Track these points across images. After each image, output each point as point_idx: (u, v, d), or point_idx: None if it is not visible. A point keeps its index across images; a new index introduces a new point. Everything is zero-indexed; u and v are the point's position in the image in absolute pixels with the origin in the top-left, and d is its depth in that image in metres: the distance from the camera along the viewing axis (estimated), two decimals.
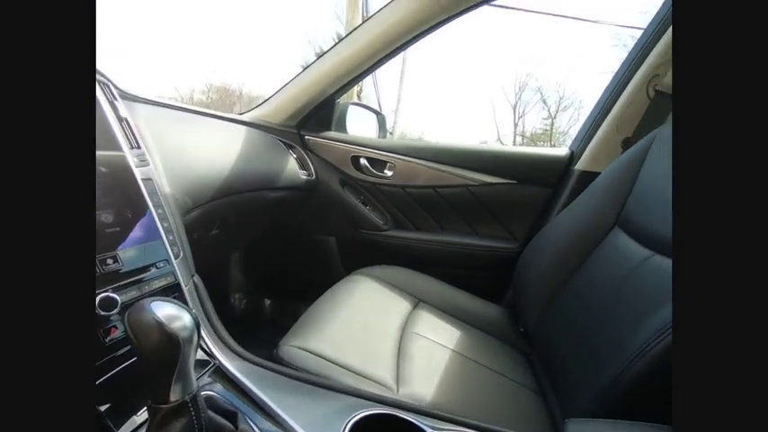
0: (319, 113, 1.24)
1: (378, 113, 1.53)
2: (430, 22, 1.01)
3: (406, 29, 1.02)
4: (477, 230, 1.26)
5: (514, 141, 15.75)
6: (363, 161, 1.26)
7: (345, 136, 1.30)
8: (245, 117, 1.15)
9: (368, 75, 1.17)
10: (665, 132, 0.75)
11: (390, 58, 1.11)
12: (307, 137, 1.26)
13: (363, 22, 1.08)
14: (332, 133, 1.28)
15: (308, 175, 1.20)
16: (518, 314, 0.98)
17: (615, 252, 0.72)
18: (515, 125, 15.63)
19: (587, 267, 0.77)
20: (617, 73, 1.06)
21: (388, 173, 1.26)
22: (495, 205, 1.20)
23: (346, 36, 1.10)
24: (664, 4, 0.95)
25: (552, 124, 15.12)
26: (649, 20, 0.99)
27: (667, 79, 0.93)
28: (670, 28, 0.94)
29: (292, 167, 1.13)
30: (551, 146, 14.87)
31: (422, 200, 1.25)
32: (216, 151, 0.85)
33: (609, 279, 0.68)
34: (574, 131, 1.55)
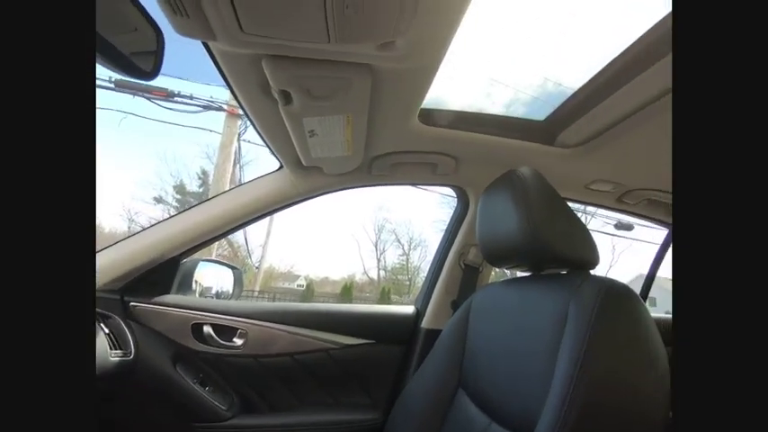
0: (155, 275, 1.08)
1: (234, 268, 1.43)
2: (288, 200, 1.14)
3: (266, 204, 1.11)
4: (339, 399, 1.16)
5: (378, 274, 17.27)
6: (207, 329, 1.09)
7: (187, 300, 1.13)
8: None
9: (224, 237, 1.15)
10: (479, 296, 0.96)
11: (248, 225, 1.14)
12: (132, 303, 1.03)
13: (225, 192, 1.12)
14: (169, 297, 1.10)
15: (124, 355, 0.93)
16: None
17: (464, 416, 0.76)
18: (378, 260, 17.41)
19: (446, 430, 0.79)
20: (440, 244, 1.37)
21: (238, 341, 1.11)
22: (355, 368, 1.17)
23: (201, 202, 1.11)
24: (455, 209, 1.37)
25: (407, 260, 17.52)
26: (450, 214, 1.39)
27: (471, 256, 1.26)
28: (465, 220, 1.32)
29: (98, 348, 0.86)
30: (408, 279, 17.02)
31: (278, 370, 1.11)
32: None
33: None
34: (425, 265, 1.79)
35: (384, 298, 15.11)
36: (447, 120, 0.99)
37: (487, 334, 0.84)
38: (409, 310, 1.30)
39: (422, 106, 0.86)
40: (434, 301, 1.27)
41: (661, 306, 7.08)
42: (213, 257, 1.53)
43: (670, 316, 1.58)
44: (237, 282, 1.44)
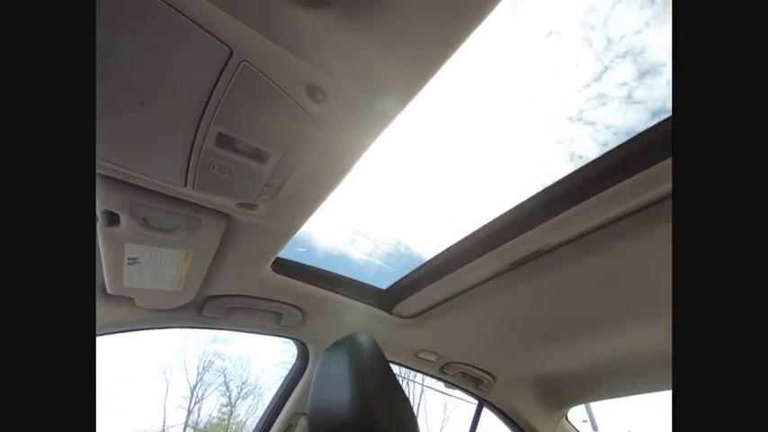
0: None
1: None
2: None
3: None
4: None
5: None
6: None
7: None
8: None
9: None
10: None
11: None
12: None
13: None
14: None
15: None
16: None
17: None
18: (188, 411, 12.62)
19: None
20: (271, 401, 1.17)
21: None
22: None
23: None
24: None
25: (230, 414, 13.41)
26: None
27: (299, 429, 1.09)
28: (302, 379, 1.20)
29: None
30: None
31: None
32: None
33: None
34: (251, 423, 1.40)
35: None
36: (301, 273, 1.00)
37: None
38: None
39: (278, 255, 0.86)
40: None
41: None
42: None
43: None
44: None
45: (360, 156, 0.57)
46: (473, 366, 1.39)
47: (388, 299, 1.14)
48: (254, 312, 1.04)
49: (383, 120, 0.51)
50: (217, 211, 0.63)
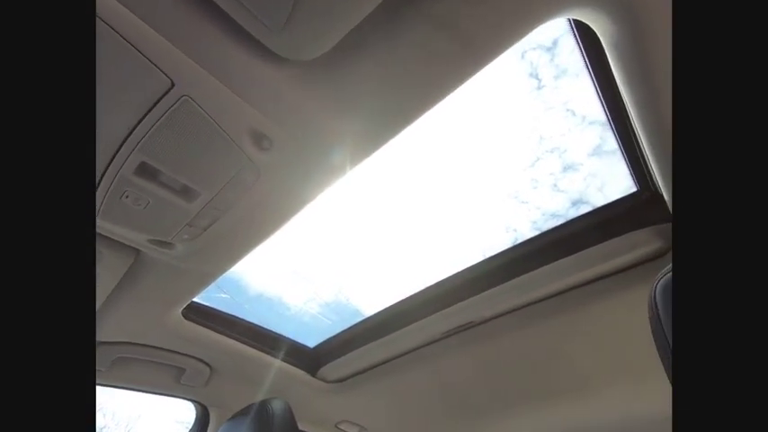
0: None
1: None
2: None
3: None
4: None
5: None
6: None
7: None
8: None
9: None
10: None
11: None
12: None
13: None
14: None
15: None
16: None
17: None
18: None
19: None
20: None
21: None
22: None
23: None
24: None
25: None
26: None
27: None
28: None
29: None
30: None
31: None
32: None
33: None
34: None
35: None
36: (217, 321, 0.88)
37: None
38: None
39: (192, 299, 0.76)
40: None
41: None
42: None
43: None
44: None
45: (301, 207, 0.55)
46: None
47: (314, 359, 1.05)
48: (150, 366, 0.88)
49: (331, 174, 0.50)
50: (123, 244, 0.55)
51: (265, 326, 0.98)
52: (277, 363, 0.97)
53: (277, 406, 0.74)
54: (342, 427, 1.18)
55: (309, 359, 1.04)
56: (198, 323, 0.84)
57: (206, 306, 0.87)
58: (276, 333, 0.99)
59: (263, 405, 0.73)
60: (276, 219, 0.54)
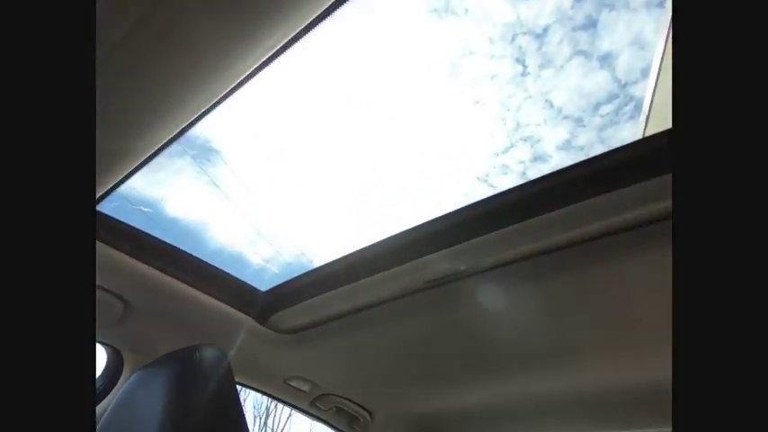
0: None
1: None
2: None
3: None
4: None
5: None
6: None
7: None
8: None
9: None
10: None
11: None
12: None
13: None
14: None
15: None
16: None
17: None
18: None
19: None
20: None
21: None
22: None
23: None
24: None
25: None
26: None
27: None
28: (105, 400, 0.82)
29: None
30: None
31: None
32: None
33: None
34: None
35: None
36: (135, 243, 0.67)
37: None
38: None
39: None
40: None
41: None
42: None
43: None
44: None
45: None
46: (352, 401, 1.17)
47: (265, 305, 0.87)
48: None
49: None
50: None
51: (206, 259, 0.78)
52: (217, 304, 0.78)
53: (208, 354, 0.56)
54: (292, 383, 1.04)
55: (259, 304, 0.85)
56: (108, 243, 0.63)
57: (122, 222, 0.65)
58: (218, 268, 0.79)
59: (189, 352, 0.56)
60: None
